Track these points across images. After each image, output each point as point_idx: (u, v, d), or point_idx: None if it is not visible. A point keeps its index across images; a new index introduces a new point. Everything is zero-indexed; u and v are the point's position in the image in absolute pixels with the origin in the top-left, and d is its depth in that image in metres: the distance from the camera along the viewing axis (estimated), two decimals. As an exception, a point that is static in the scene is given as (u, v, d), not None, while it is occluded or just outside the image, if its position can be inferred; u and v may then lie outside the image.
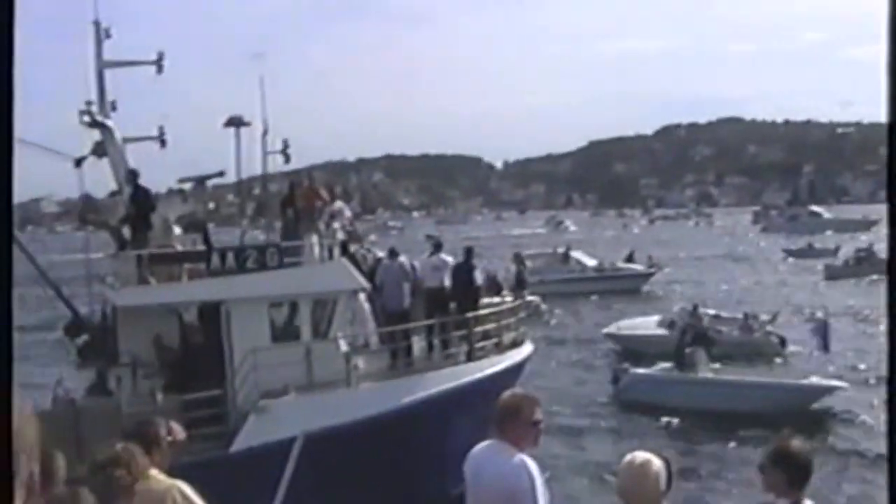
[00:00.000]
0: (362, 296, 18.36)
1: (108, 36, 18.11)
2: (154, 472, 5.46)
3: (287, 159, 19.30)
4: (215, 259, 17.21)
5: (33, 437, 1.77)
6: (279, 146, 19.46)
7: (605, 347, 35.53)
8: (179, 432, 6.08)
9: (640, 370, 27.09)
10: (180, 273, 17.32)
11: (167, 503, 5.42)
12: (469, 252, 20.49)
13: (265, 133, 18.75)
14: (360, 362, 17.38)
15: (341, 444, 15.86)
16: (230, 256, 17.33)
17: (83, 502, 4.14)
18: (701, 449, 22.22)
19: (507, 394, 5.76)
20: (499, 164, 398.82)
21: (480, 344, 18.88)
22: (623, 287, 53.42)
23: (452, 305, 19.55)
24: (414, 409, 16.98)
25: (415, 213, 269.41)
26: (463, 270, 19.83)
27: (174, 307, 17.46)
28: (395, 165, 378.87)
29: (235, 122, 18.83)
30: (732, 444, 22.18)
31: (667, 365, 26.81)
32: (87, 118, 17.91)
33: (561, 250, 57.52)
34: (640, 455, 4.87)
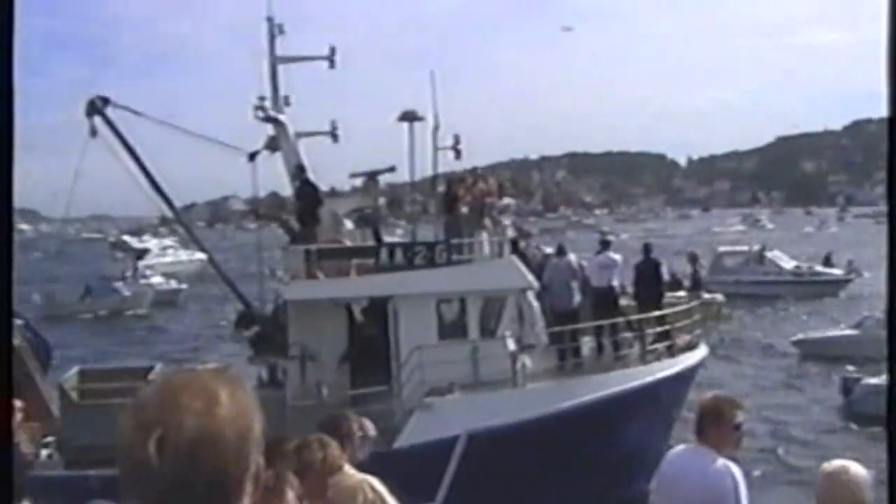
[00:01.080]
0: (531, 294, 17.93)
1: (281, 32, 18.50)
2: (346, 465, 5.45)
3: (458, 155, 19.13)
4: (384, 255, 17.29)
5: (260, 429, 1.76)
6: (451, 142, 19.19)
7: (788, 356, 33.63)
8: (371, 428, 6.10)
9: (875, 380, 24.50)
10: (349, 268, 17.33)
11: (358, 497, 5.46)
12: (648, 248, 19.87)
13: (436, 128, 18.64)
14: (527, 362, 16.98)
15: (505, 445, 15.57)
16: (398, 252, 17.35)
17: (288, 484, 4.17)
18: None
19: (708, 397, 5.74)
20: (683, 161, 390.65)
21: (653, 346, 18.14)
22: (819, 292, 50.45)
23: (624, 304, 18.92)
24: (581, 412, 16.50)
25: (597, 211, 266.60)
26: (647, 267, 19.23)
27: (343, 302, 17.43)
28: (577, 163, 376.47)
29: (409, 117, 18.72)
30: None
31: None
32: (260, 113, 18.14)
33: (756, 248, 54.84)
34: (836, 463, 4.64)
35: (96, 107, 17.38)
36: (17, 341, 17.73)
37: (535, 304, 18.20)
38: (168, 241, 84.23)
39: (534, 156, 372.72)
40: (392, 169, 19.37)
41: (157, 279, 58.94)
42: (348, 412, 6.31)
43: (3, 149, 1.71)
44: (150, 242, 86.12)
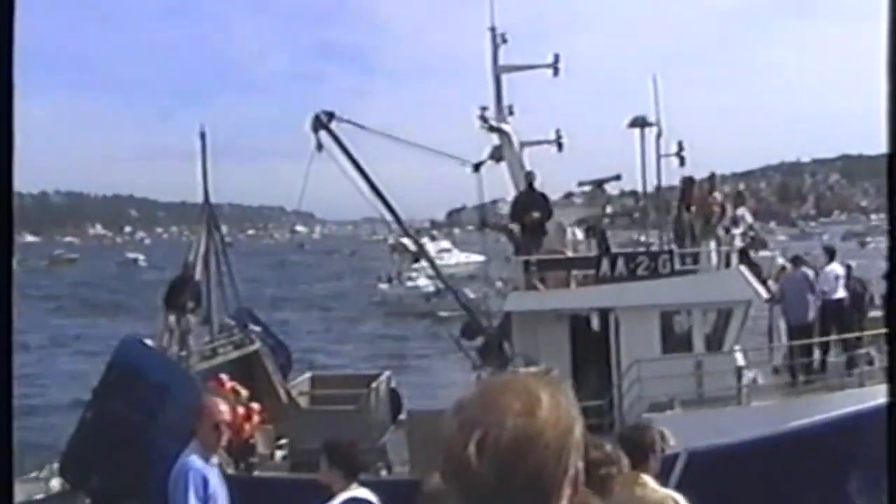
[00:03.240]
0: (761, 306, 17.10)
1: (503, 41, 18.39)
2: (648, 478, 5.43)
3: (682, 162, 18.50)
4: (605, 265, 17.01)
5: (580, 432, 1.79)
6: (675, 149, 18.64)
7: None
8: (671, 440, 6.09)
9: None
10: (570, 279, 17.12)
11: None
12: (831, 254, 18.53)
13: (659, 135, 18.19)
14: (755, 378, 16.13)
15: (727, 466, 14.91)
16: (620, 262, 17.11)
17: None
18: None
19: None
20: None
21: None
22: None
23: (874, 316, 17.67)
24: (814, 434, 15.44)
25: (873, 217, 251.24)
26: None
27: (564, 313, 17.27)
28: (852, 166, 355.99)
29: (639, 123, 18.35)
30: None
31: None
32: (484, 123, 18.17)
33: None
34: None
35: (321, 122, 18.05)
36: (257, 346, 18.71)
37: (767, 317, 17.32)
38: (444, 244, 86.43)
39: (805, 158, 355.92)
40: (618, 177, 19.31)
41: (422, 281, 60.43)
42: (651, 423, 6.01)
43: (3, 148, 1.71)
44: (428, 245, 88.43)
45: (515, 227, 18.35)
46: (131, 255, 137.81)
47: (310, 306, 65.45)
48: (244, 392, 16.06)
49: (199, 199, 19.23)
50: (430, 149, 19.20)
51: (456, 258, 76.04)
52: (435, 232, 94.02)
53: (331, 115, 18.33)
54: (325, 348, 44.86)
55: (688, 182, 18.14)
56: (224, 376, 16.15)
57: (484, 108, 18.49)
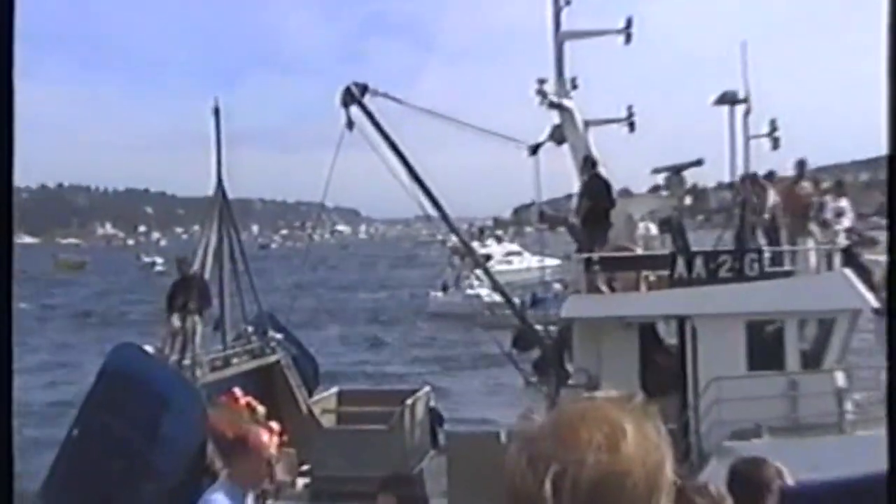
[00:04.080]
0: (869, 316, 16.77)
1: (567, 2, 18.17)
2: None
3: (775, 144, 18.14)
4: (680, 265, 16.70)
5: (671, 468, 1.77)
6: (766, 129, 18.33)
7: None
8: (788, 477, 5.71)
9: None
10: (639, 281, 16.92)
11: None
12: None
13: (747, 113, 17.76)
14: (860, 403, 15.83)
15: (822, 505, 14.49)
16: (699, 262, 16.80)
17: None
18: None
19: None
20: None
21: None
22: None
23: None
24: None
25: None
26: None
27: (631, 321, 17.10)
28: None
29: (728, 100, 18.01)
30: None
31: None
32: (543, 99, 18.03)
33: None
34: None
35: (353, 95, 17.96)
36: (278, 356, 18.78)
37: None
38: (512, 246, 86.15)
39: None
40: (699, 162, 18.84)
41: (483, 290, 60.23)
42: (766, 457, 5.88)
43: (3, 149, 1.78)
44: (493, 247, 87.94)
45: (576, 221, 18.27)
46: (147, 259, 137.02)
47: (348, 317, 65.65)
48: (261, 409, 16.06)
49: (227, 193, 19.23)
50: (481, 129, 19.10)
51: (527, 262, 75.55)
52: (500, 232, 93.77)
53: (364, 88, 18.28)
54: (358, 361, 45.15)
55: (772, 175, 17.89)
56: (237, 390, 16.16)
57: (542, 81, 18.27)
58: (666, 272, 17.00)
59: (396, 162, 18.26)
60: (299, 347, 20.09)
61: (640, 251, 18.01)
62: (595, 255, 17.06)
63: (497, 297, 56.82)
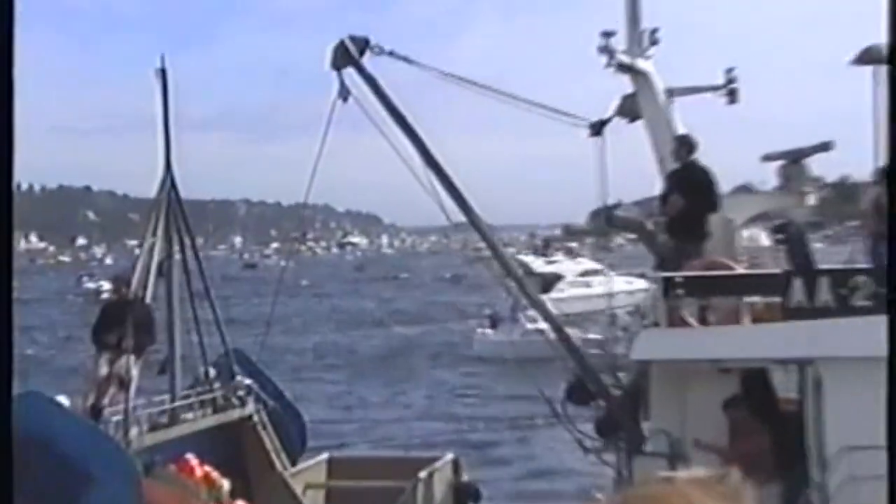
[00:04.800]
0: None
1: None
2: None
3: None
4: (798, 289, 15.97)
5: None
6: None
7: None
8: None
9: None
10: (741, 310, 16.37)
11: None
12: None
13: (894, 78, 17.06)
14: None
15: None
16: (824, 286, 15.99)
17: None
18: None
19: None
20: None
21: None
22: None
23: None
24: None
25: None
26: None
27: (728, 365, 16.72)
28: None
29: (873, 58, 17.34)
30: None
31: None
32: (610, 59, 17.65)
33: None
34: None
35: (348, 53, 17.54)
36: (249, 409, 18.51)
37: None
38: (591, 264, 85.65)
39: None
40: (826, 146, 18.30)
41: (544, 325, 59.79)
42: None
43: (3, 149, 2.20)
44: (563, 264, 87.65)
45: (653, 227, 17.86)
46: (91, 284, 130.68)
47: (357, 360, 65.68)
48: (225, 483, 15.81)
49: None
50: (526, 100, 18.74)
51: (612, 284, 74.72)
52: (574, 244, 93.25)
53: (365, 43, 17.91)
54: (367, 417, 45.31)
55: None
56: (191, 456, 15.87)
57: (608, 35, 17.86)
58: (779, 299, 16.30)
59: (410, 145, 17.88)
60: (279, 398, 19.80)
61: (742, 269, 17.41)
62: (679, 275, 16.44)
63: (576, 332, 56.92)
